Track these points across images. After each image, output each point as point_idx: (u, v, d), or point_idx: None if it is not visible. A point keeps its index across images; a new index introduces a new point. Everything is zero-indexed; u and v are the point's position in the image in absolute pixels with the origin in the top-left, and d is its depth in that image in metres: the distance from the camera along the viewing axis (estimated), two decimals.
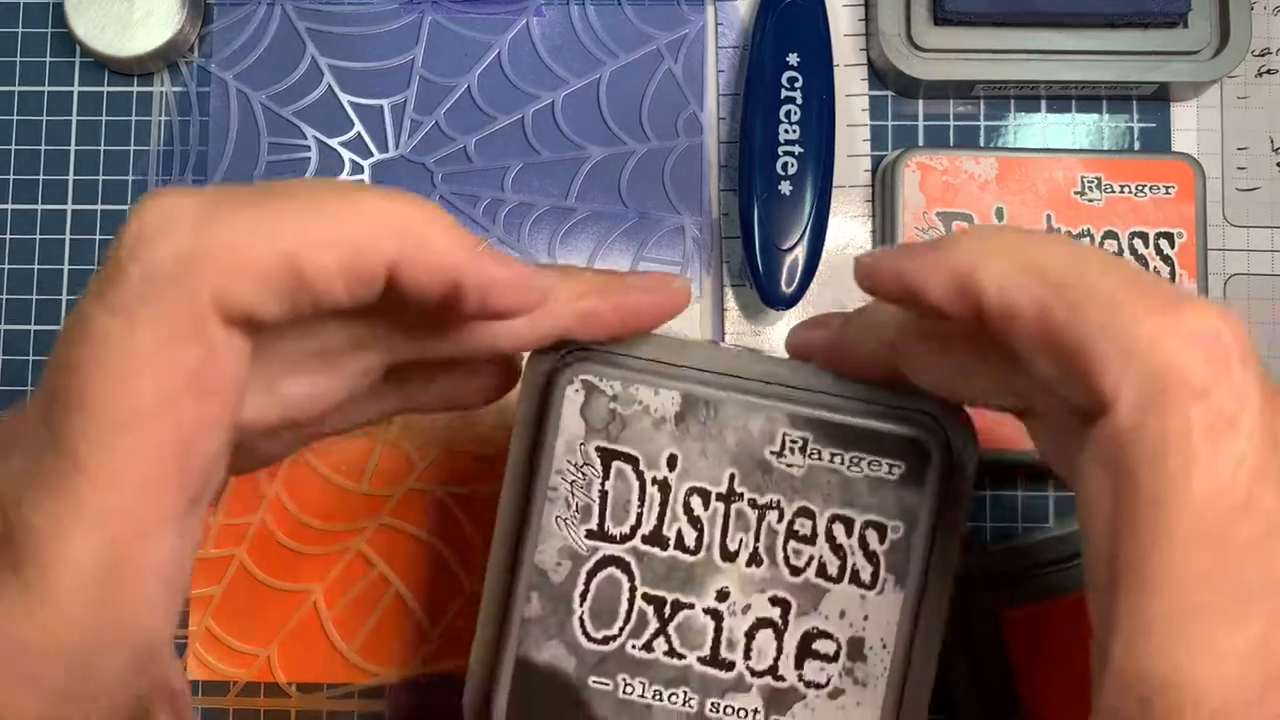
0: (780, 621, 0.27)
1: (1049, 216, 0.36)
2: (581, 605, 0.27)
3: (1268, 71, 0.39)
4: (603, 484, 0.27)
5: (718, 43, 0.39)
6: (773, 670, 0.27)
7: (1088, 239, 0.36)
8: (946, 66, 0.37)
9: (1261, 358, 0.20)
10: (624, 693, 0.27)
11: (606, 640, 0.27)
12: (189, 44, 0.39)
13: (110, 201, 0.39)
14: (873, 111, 0.39)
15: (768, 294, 0.36)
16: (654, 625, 0.27)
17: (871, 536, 0.27)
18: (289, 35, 0.39)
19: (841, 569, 0.27)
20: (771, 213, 0.36)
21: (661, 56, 0.39)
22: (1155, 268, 0.36)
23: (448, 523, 0.37)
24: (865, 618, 0.27)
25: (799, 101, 0.36)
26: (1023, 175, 0.36)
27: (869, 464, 0.26)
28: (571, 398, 0.27)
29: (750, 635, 0.27)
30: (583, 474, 0.27)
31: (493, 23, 0.39)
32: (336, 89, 0.39)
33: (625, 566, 0.27)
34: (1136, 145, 0.38)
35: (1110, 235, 0.36)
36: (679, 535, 0.27)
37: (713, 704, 0.27)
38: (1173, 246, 0.36)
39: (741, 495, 0.27)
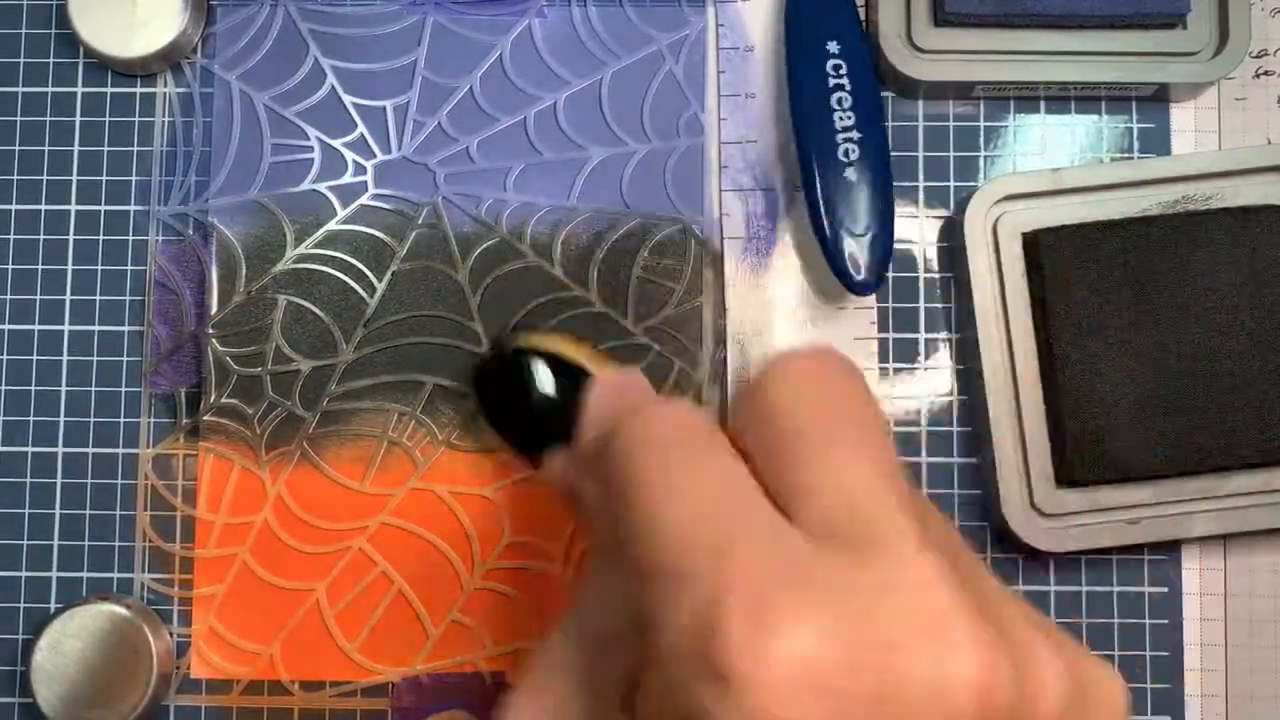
0: None
1: None
2: None
3: (1265, 73, 0.39)
4: None
5: (719, 43, 0.39)
6: None
7: None
8: (946, 68, 0.38)
9: None
10: None
11: None
12: (192, 45, 0.39)
13: (113, 202, 0.39)
14: None
15: (850, 280, 0.36)
16: None
17: None
18: (292, 37, 0.39)
19: None
20: (839, 199, 0.36)
21: (663, 57, 0.39)
22: None
23: (450, 522, 0.38)
24: None
25: (847, 88, 0.36)
26: None
27: None
28: None
29: None
30: None
31: (495, 24, 0.39)
32: (339, 90, 0.39)
33: None
34: (1135, 146, 0.39)
35: None
36: None
37: None
38: None
39: None
